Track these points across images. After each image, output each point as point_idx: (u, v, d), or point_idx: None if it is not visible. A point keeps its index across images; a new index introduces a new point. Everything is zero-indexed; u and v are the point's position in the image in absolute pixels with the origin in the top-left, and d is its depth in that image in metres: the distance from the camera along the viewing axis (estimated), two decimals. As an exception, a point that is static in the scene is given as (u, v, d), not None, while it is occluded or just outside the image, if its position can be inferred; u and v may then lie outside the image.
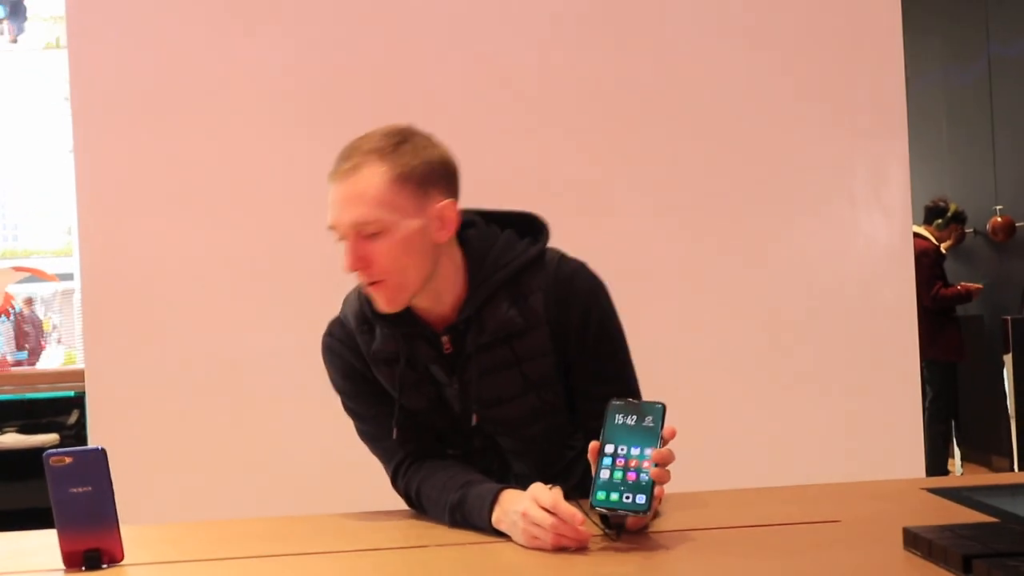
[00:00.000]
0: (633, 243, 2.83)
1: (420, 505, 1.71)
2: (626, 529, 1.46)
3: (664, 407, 1.48)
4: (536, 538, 1.45)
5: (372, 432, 1.77)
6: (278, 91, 2.84)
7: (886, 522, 1.49)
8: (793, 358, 2.96)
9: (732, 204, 2.96)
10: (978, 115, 6.64)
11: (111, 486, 1.41)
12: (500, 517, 1.54)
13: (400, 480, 1.74)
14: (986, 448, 6.35)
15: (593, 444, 1.48)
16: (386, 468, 1.77)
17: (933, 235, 5.92)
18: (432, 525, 1.66)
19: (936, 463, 5.58)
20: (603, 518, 1.46)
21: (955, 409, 5.92)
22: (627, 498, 1.41)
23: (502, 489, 1.57)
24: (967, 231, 6.37)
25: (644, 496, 1.41)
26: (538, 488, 1.49)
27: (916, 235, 5.22)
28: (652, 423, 1.47)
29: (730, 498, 1.80)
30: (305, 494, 2.61)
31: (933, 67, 6.90)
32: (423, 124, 1.68)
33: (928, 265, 5.57)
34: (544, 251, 1.71)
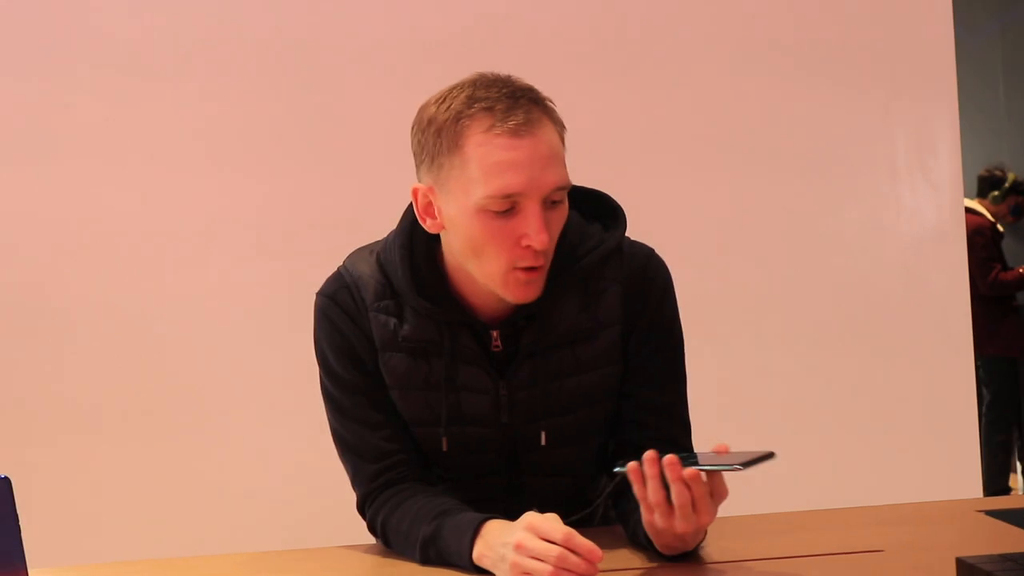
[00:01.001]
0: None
1: (386, 539, 1.70)
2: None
3: (763, 459, 1.45)
4: (528, 573, 1.43)
5: (350, 440, 1.72)
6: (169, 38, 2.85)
7: (937, 551, 1.49)
8: (825, 357, 2.96)
9: (749, 177, 2.96)
10: (1041, 68, 6.66)
11: (17, 521, 1.39)
12: (483, 551, 1.52)
13: (368, 508, 1.72)
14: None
15: (691, 472, 1.44)
16: (355, 488, 1.74)
17: (989, 210, 5.93)
18: (402, 562, 1.64)
19: (996, 480, 5.60)
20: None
21: (1018, 415, 5.94)
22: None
23: (485, 519, 1.55)
24: (1029, 204, 6.39)
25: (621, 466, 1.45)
26: (534, 516, 1.47)
27: (968, 210, 5.24)
28: (740, 461, 1.43)
29: (756, 524, 1.80)
30: (248, 528, 2.61)
31: (987, 12, 6.91)
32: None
33: (983, 245, 5.59)
34: (622, 240, 1.71)
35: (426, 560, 1.60)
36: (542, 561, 1.41)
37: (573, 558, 1.40)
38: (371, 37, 2.90)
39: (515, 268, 1.56)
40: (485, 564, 1.51)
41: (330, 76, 2.90)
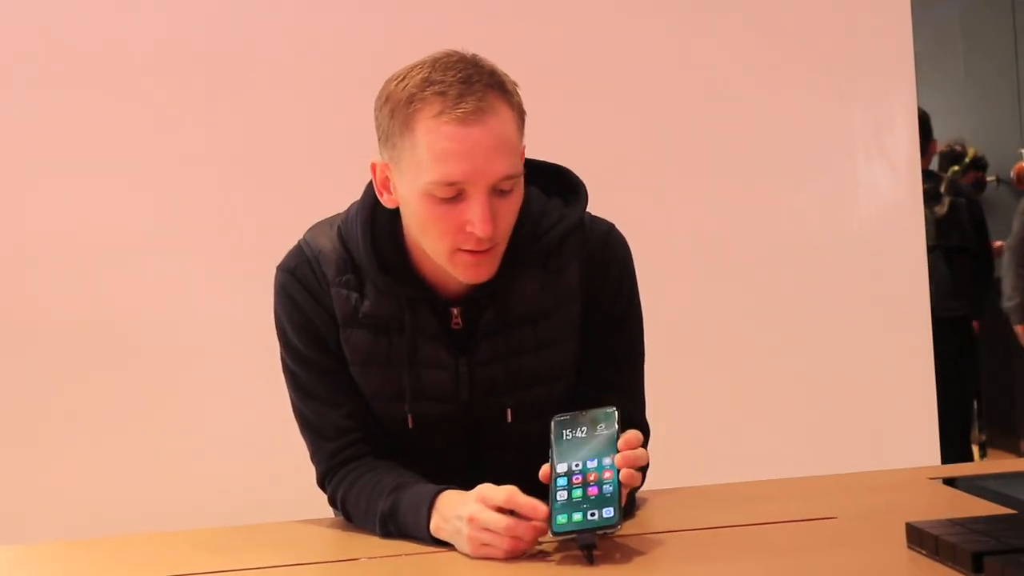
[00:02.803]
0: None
1: (347, 515, 1.72)
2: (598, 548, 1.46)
3: (616, 410, 1.51)
4: (486, 545, 1.46)
5: (311, 417, 1.73)
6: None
7: (888, 517, 1.52)
8: (784, 332, 2.99)
9: (706, 157, 2.97)
10: (1000, 42, 6.70)
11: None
12: (439, 524, 1.54)
13: (328, 484, 1.74)
14: (1014, 430, 6.45)
15: (544, 469, 1.49)
16: (316, 463, 1.75)
17: (949, 185, 5.96)
18: (364, 537, 1.66)
19: (955, 449, 5.65)
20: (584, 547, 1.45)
21: (976, 386, 6.00)
22: (592, 515, 1.43)
23: (439, 491, 1.58)
24: (988, 179, 6.45)
25: (611, 508, 1.43)
26: (486, 487, 1.49)
27: (929, 186, 5.27)
28: (605, 429, 1.50)
29: (714, 494, 1.83)
30: (208, 503, 2.61)
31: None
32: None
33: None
34: (583, 216, 1.72)
35: (387, 534, 1.63)
36: (495, 532, 1.44)
37: (522, 525, 1.44)
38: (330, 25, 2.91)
39: (459, 250, 1.58)
40: (443, 536, 1.54)
41: (291, 49, 2.89)
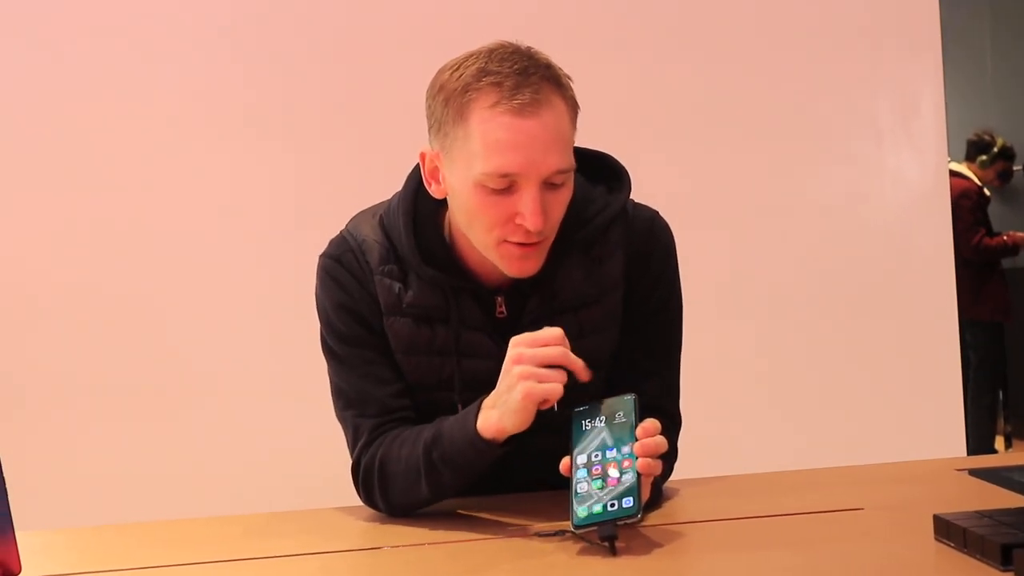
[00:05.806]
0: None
1: (383, 475, 1.67)
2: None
3: (635, 398, 1.51)
4: (531, 377, 1.50)
5: (353, 396, 1.72)
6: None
7: (915, 509, 1.52)
8: (810, 321, 2.98)
9: (731, 140, 2.96)
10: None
11: (4, 488, 1.41)
12: (487, 415, 1.55)
13: (365, 454, 1.70)
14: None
15: (564, 461, 1.49)
16: (354, 441, 1.72)
17: (976, 174, 5.92)
18: (387, 526, 1.66)
19: (981, 441, 5.64)
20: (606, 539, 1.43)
21: (1003, 378, 5.98)
22: (612, 506, 1.42)
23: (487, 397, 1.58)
24: (1015, 169, 6.39)
25: (631, 498, 1.42)
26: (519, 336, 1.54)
27: (955, 174, 5.24)
28: (624, 418, 1.49)
29: (740, 484, 1.83)
30: (233, 492, 2.62)
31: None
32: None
33: (969, 209, 5.61)
34: (627, 203, 1.72)
35: (429, 466, 1.61)
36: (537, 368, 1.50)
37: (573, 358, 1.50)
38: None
39: (507, 241, 1.58)
40: (492, 422, 1.54)
41: (333, 43, 2.90)
